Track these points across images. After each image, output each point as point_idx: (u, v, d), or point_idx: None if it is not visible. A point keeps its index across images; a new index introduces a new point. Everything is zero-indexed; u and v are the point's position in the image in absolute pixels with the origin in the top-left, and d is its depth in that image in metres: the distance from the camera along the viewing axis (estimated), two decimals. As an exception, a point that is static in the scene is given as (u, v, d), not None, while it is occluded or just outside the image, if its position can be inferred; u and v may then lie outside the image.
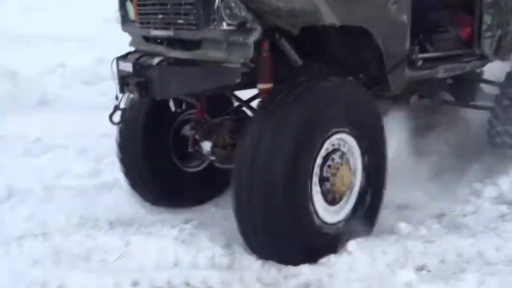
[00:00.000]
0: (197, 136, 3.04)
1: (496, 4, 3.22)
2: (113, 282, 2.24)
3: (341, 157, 2.49)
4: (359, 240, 2.43)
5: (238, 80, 2.33)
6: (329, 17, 2.39)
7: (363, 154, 2.59)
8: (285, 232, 2.26)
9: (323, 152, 2.39)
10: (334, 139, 2.44)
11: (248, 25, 2.22)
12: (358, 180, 2.60)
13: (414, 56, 2.87)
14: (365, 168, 2.60)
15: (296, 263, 2.30)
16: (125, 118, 3.05)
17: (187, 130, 3.18)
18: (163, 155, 3.17)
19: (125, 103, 2.77)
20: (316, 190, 2.39)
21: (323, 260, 2.33)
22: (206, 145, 2.92)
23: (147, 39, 2.78)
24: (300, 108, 2.28)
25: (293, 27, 2.33)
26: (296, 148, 2.22)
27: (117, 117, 2.71)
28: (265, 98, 2.44)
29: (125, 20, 2.85)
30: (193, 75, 2.42)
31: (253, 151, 2.23)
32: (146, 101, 2.99)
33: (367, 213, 2.62)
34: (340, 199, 2.52)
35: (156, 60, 2.44)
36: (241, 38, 2.25)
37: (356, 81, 2.74)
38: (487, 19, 3.22)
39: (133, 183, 3.22)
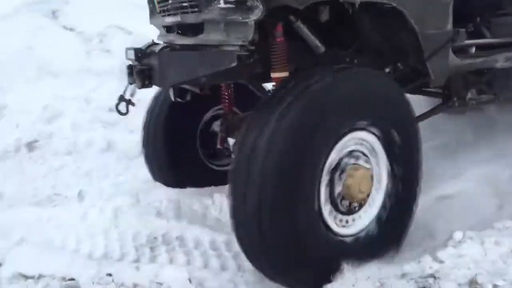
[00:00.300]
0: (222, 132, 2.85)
1: None
2: (225, 238, 2.40)
3: (361, 159, 2.12)
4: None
5: (233, 64, 2.02)
6: None
7: (390, 159, 2.20)
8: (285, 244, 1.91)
9: (334, 156, 2.02)
10: (350, 139, 2.08)
11: (248, 3, 1.96)
12: (383, 189, 2.22)
13: (459, 40, 2.44)
14: (393, 175, 2.22)
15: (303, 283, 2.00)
16: (148, 113, 2.99)
17: (216, 126, 2.97)
18: (190, 153, 3.00)
19: (130, 94, 2.52)
20: (325, 197, 2.02)
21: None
22: (232, 141, 2.67)
23: (167, 29, 2.60)
24: (304, 103, 1.93)
25: (300, 3, 2.00)
26: (295, 150, 1.88)
27: (123, 107, 2.51)
28: (273, 90, 2.18)
29: (152, 12, 2.66)
30: (190, 60, 2.17)
31: (248, 152, 1.90)
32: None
33: (393, 227, 2.24)
34: (358, 208, 2.14)
35: (159, 47, 2.26)
36: (240, 17, 2.00)
37: (394, 72, 2.45)
38: None
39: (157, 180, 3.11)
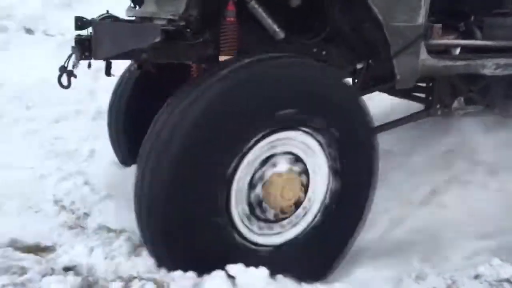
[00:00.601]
0: None
1: None
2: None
3: (289, 163, 1.88)
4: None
5: (157, 39, 1.83)
6: None
7: (330, 165, 1.95)
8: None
9: (255, 154, 1.80)
10: (275, 139, 1.84)
11: None
12: (317, 198, 1.97)
13: (433, 37, 2.16)
14: (333, 184, 1.96)
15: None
16: (113, 94, 2.90)
17: None
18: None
19: (72, 65, 2.16)
20: (239, 208, 1.82)
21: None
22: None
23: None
24: (215, 93, 1.74)
25: None
26: (194, 147, 1.71)
27: (65, 80, 2.18)
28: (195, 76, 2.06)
29: None
30: (122, 33, 1.89)
31: (154, 135, 1.78)
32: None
33: (327, 247, 1.98)
34: (281, 217, 1.90)
35: (99, 18, 2.08)
36: None
37: (367, 69, 2.21)
38: None
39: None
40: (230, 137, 1.74)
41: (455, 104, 2.60)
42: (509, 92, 2.67)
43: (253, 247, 1.87)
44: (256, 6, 1.95)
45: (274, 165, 1.85)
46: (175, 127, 1.72)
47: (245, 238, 1.85)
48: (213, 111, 1.72)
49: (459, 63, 2.36)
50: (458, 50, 2.45)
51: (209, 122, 1.71)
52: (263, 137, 1.79)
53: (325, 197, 1.98)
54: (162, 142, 1.73)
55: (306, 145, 1.91)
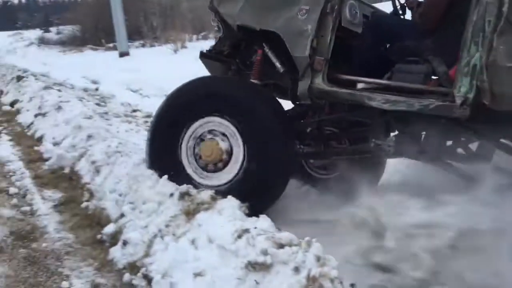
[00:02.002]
0: None
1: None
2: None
3: (215, 135, 3.13)
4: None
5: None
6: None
7: (245, 139, 3.04)
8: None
9: (194, 130, 3.17)
10: (210, 121, 3.13)
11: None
12: (238, 160, 3.07)
13: (317, 66, 2.96)
14: (247, 150, 3.03)
15: None
16: None
17: None
18: None
19: None
20: (188, 159, 3.21)
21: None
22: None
23: None
24: (176, 95, 3.28)
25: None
26: (166, 122, 3.24)
27: None
28: None
29: None
30: None
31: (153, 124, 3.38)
32: None
33: (250, 191, 2.99)
34: (216, 169, 3.14)
35: None
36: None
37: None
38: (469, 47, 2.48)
39: None
40: (183, 114, 3.18)
41: (386, 142, 2.98)
42: (441, 143, 2.96)
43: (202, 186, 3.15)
44: (269, 51, 3.25)
45: (205, 137, 3.16)
46: (158, 109, 3.36)
47: (194, 180, 3.20)
48: (174, 101, 3.29)
49: (344, 90, 2.95)
50: (360, 85, 3.05)
51: (173, 104, 3.28)
52: (199, 119, 3.14)
53: (243, 160, 3.05)
54: (154, 117, 3.46)
55: (228, 128, 3.08)
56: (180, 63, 10.96)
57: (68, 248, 3.13)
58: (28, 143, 5.69)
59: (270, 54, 3.25)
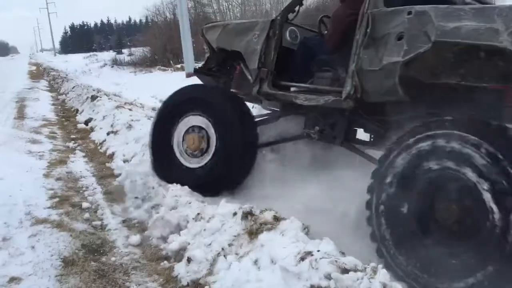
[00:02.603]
0: None
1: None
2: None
3: (197, 130, 4.20)
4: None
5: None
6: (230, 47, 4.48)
7: (217, 131, 4.08)
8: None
9: (182, 125, 4.31)
10: (193, 118, 4.24)
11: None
12: (213, 146, 4.12)
13: (263, 75, 4.06)
14: (218, 140, 4.08)
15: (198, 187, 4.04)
16: None
17: None
18: None
19: None
20: (178, 146, 4.34)
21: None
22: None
23: None
24: (168, 99, 4.53)
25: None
26: (163, 118, 4.47)
27: None
28: None
29: None
30: None
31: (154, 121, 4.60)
32: None
33: (220, 168, 4.03)
34: (195, 154, 4.22)
35: None
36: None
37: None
38: (352, 58, 3.38)
39: None
40: (175, 112, 4.35)
41: (313, 131, 3.94)
42: (347, 130, 3.82)
43: (187, 167, 4.24)
44: (243, 67, 4.34)
45: (189, 130, 4.25)
46: (158, 110, 4.74)
47: (181, 163, 4.29)
48: (167, 103, 4.52)
49: (280, 92, 4.04)
50: (293, 88, 4.10)
51: (168, 105, 4.47)
52: (184, 116, 4.28)
53: (216, 146, 4.09)
54: (155, 115, 4.66)
55: (205, 123, 4.16)
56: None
57: (135, 263, 3.23)
58: (100, 159, 5.98)
59: (244, 69, 4.33)
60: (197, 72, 4.97)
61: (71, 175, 5.30)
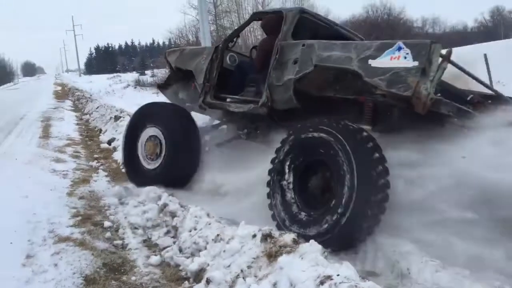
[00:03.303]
0: None
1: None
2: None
3: (153, 138, 5.43)
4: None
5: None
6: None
7: (165, 138, 5.31)
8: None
9: (143, 135, 5.52)
10: (150, 129, 5.48)
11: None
12: (164, 151, 5.30)
13: (207, 89, 5.30)
14: (166, 145, 5.29)
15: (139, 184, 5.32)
16: None
17: None
18: None
19: None
20: (141, 152, 5.54)
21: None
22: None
23: None
24: (132, 116, 6.00)
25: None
26: (130, 131, 5.72)
27: None
28: None
29: None
30: None
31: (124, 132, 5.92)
32: None
33: (172, 170, 5.22)
34: (152, 158, 5.42)
35: None
36: None
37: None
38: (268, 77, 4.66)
39: None
40: (137, 126, 5.64)
41: (242, 132, 5.23)
42: (264, 132, 4.98)
43: (148, 169, 5.43)
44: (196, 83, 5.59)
45: (148, 139, 5.47)
46: (127, 123, 6.16)
47: (144, 166, 5.50)
48: (132, 119, 5.95)
49: (218, 102, 5.26)
50: (228, 99, 5.27)
51: (133, 120, 5.85)
52: (144, 128, 5.54)
53: (166, 150, 5.26)
54: (125, 128, 6.07)
55: (158, 132, 5.36)
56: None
57: (155, 283, 3.25)
58: (122, 179, 6.06)
59: (197, 86, 5.49)
60: (159, 87, 6.57)
61: (94, 194, 5.39)
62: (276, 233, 3.17)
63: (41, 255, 3.53)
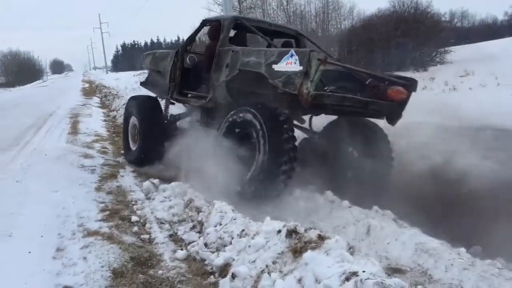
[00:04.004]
0: None
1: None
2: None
3: (134, 126, 6.78)
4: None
5: None
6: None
7: (140, 126, 6.55)
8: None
9: (130, 123, 6.97)
10: (133, 118, 6.85)
11: None
12: (138, 136, 6.60)
13: (172, 87, 6.40)
14: (139, 131, 6.54)
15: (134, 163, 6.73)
16: None
17: None
18: None
19: None
20: (130, 137, 7.01)
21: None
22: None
23: None
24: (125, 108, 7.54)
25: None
26: (124, 121, 7.27)
27: None
28: None
29: None
30: None
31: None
32: None
33: (142, 147, 6.49)
34: (136, 140, 6.74)
35: None
36: None
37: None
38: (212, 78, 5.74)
39: None
40: (127, 115, 7.18)
41: (202, 121, 6.12)
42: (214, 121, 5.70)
43: (132, 150, 6.92)
44: None
45: (132, 126, 6.99)
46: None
47: (131, 147, 6.97)
48: (125, 108, 7.46)
49: (182, 97, 6.39)
50: (189, 95, 6.38)
51: (124, 111, 7.41)
52: (130, 117, 7.05)
53: (139, 136, 6.64)
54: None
55: (136, 121, 6.74)
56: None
57: (181, 277, 3.29)
58: (148, 174, 6.14)
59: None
60: (142, 84, 7.71)
61: (121, 189, 5.48)
62: (301, 229, 3.17)
63: (71, 249, 3.61)
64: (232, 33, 5.94)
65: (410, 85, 5.24)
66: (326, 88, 4.72)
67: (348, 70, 5.18)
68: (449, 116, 6.43)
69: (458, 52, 17.45)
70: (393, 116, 5.32)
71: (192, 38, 6.66)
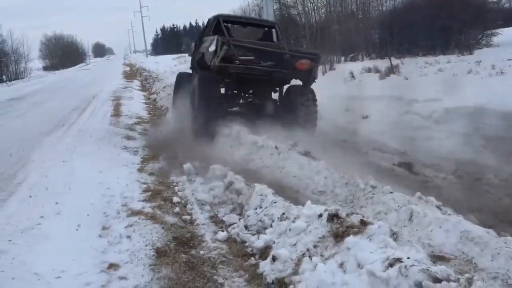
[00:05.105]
0: None
1: None
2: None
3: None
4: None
5: None
6: None
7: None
8: None
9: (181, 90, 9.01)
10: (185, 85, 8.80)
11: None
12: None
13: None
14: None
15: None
16: None
17: None
18: None
19: None
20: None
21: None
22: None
23: None
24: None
25: None
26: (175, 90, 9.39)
27: None
28: None
29: None
30: None
31: None
32: None
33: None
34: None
35: None
36: None
37: None
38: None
39: None
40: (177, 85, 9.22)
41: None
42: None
43: None
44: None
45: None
46: None
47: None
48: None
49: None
50: None
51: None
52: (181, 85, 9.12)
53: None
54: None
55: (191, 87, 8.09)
56: (327, 85, 11.01)
57: (222, 257, 3.34)
58: (189, 156, 6.22)
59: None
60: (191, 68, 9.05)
61: (163, 170, 5.58)
62: (343, 213, 3.14)
63: (116, 227, 3.71)
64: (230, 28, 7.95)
65: (314, 59, 7.16)
66: (236, 61, 6.58)
67: (256, 48, 6.95)
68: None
69: (506, 35, 16.72)
70: (305, 81, 7.28)
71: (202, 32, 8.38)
